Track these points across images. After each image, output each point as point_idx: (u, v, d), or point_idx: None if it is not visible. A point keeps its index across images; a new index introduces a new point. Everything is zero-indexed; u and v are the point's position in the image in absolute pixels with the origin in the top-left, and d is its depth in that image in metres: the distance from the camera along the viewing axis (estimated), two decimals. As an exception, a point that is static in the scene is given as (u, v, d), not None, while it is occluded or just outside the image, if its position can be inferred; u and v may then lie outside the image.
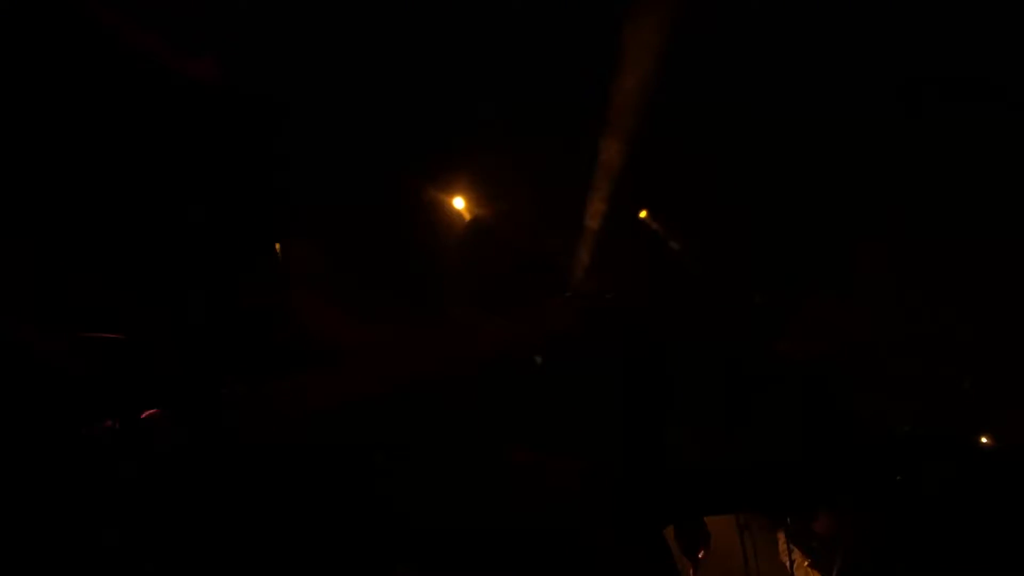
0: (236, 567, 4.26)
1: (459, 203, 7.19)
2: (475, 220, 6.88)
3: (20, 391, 4.05)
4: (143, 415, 4.28)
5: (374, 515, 5.24)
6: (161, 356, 4.57)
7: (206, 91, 5.15)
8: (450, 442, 5.44)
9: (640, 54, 5.69)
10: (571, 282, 6.49)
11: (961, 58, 5.18)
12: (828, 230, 5.68)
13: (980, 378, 5.47)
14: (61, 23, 4.67)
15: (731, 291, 5.96)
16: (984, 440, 5.34)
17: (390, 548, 5.00)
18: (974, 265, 5.39)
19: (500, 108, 5.69)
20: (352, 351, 5.19)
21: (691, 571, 4.76)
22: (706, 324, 5.70)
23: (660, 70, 5.52)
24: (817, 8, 5.27)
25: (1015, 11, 4.99)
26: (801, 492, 5.09)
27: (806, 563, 5.13)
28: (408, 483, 5.22)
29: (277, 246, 5.55)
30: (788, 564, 5.16)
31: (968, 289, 5.44)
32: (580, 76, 5.55)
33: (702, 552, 4.82)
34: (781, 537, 5.37)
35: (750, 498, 5.30)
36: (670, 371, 5.58)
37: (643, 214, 6.48)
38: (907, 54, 5.24)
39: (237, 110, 5.35)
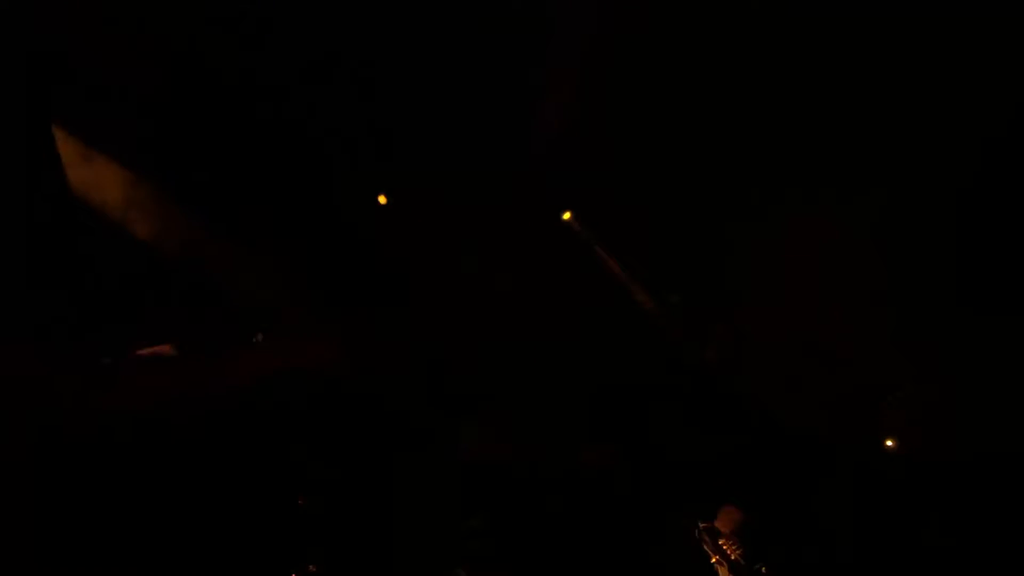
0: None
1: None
2: None
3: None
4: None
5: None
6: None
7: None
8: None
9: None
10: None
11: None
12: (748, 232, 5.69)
13: (889, 386, 5.53)
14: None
15: (647, 293, 5.94)
16: (889, 443, 5.40)
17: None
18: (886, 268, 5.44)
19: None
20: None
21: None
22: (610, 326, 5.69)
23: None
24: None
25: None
26: (710, 490, 5.11)
27: (714, 559, 5.13)
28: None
29: None
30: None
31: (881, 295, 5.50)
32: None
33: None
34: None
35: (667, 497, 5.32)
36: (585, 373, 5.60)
37: (567, 215, 6.42)
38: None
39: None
